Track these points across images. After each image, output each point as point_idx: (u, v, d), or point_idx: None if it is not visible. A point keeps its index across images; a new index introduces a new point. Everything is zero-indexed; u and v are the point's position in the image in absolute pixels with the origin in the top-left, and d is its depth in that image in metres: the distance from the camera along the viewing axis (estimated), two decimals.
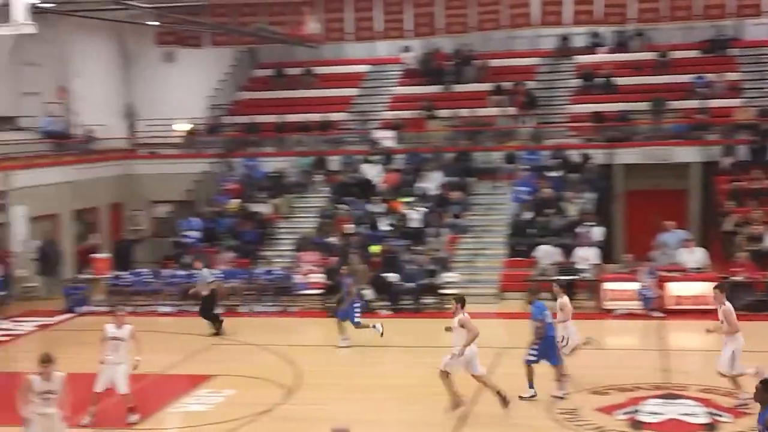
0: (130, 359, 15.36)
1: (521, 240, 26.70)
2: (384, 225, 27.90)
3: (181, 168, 32.35)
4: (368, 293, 24.03)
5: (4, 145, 28.04)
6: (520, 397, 15.86)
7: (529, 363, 16.05)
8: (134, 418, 15.26)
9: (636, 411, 15.26)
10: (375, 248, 26.40)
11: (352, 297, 20.81)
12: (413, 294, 24.74)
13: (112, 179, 32.43)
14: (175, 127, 34.69)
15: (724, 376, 15.46)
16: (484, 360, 15.76)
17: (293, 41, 32.56)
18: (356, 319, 20.58)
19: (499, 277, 25.83)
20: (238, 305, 25.22)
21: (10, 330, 23.27)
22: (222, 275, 25.63)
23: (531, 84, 33.65)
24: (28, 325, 23.87)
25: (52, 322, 24.14)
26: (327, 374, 17.90)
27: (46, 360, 12.26)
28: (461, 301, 15.49)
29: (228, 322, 23.27)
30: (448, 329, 15.37)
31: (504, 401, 15.24)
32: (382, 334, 20.01)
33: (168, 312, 25.16)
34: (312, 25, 30.84)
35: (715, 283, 16.24)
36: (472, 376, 15.37)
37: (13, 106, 29.92)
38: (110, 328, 15.36)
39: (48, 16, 26.12)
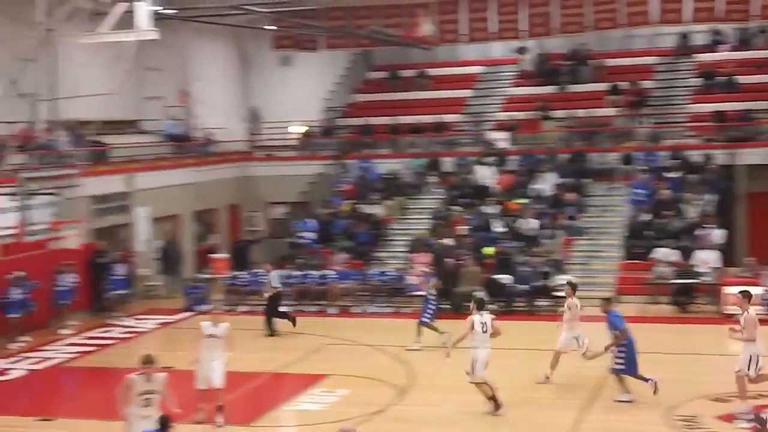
0: (225, 356, 15.37)
1: (638, 242, 26.27)
2: (497, 227, 27.80)
3: (297, 170, 32.87)
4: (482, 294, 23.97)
5: (128, 148, 28.93)
6: (617, 401, 15.88)
7: (618, 372, 15.94)
8: (220, 420, 15.08)
9: (759, 419, 14.84)
10: (488, 250, 26.31)
11: (431, 297, 20.89)
12: (527, 296, 24.59)
13: (230, 181, 33.12)
14: (291, 129, 35.25)
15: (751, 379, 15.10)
16: (601, 363, 15.58)
17: (408, 43, 32.69)
18: (424, 319, 20.60)
19: (615, 279, 25.46)
20: (351, 306, 25.46)
21: (133, 327, 23.97)
22: (336, 276, 25.96)
23: (649, 83, 33.07)
24: (150, 322, 24.55)
25: (173, 320, 24.75)
26: (440, 375, 17.90)
27: (148, 361, 12.33)
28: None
29: (342, 323, 23.55)
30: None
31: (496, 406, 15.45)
32: (444, 343, 18.54)
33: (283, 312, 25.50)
34: (426, 27, 30.92)
35: (741, 289, 16.00)
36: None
37: (137, 110, 30.82)
38: (207, 326, 15.32)
39: (169, 22, 26.84)
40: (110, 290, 25.10)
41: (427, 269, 23.28)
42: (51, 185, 24.00)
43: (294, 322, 22.74)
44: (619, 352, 15.91)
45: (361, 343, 21.32)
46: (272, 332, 22.48)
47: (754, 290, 22.69)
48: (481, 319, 15.55)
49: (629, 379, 15.96)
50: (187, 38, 31.77)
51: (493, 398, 15.52)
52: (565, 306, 17.49)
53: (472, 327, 15.44)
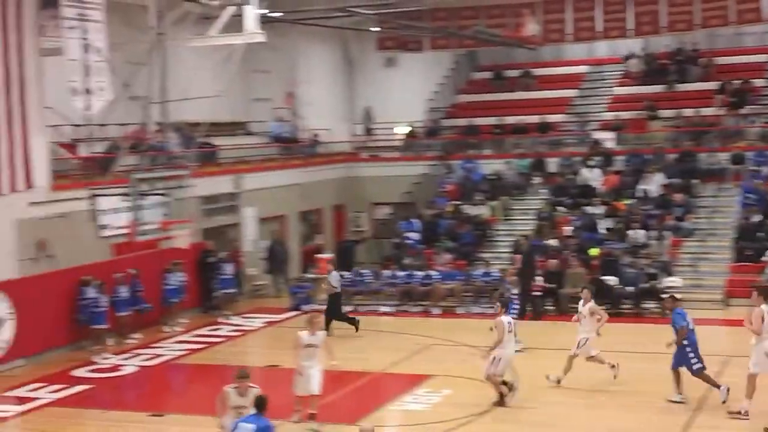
0: (323, 363, 15.48)
1: (749, 244, 25.70)
2: (603, 228, 27.49)
3: (401, 170, 33.00)
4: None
5: (236, 150, 29.47)
6: (670, 400, 15.97)
7: (698, 371, 15.93)
8: (314, 426, 15.14)
9: None
10: (594, 251, 26.06)
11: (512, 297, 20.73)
12: (633, 298, 24.27)
13: (335, 181, 33.46)
14: (395, 130, 35.43)
15: None
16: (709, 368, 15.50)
17: (512, 43, 32.54)
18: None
19: (725, 282, 24.95)
20: (455, 306, 25.49)
21: (241, 326, 24.43)
22: (439, 276, 26.03)
23: (760, 82, 32.27)
24: (257, 321, 24.98)
25: (279, 320, 25.13)
26: (540, 377, 17.79)
27: (243, 375, 12.36)
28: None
29: (445, 324, 23.59)
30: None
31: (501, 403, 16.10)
32: (518, 350, 18.46)
33: (388, 312, 25.72)
34: (531, 27, 30.73)
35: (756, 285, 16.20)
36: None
37: (245, 111, 31.37)
38: (305, 336, 15.39)
39: (277, 25, 27.22)
40: (219, 289, 25.64)
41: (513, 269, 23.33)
42: (162, 186, 24.52)
43: (357, 326, 22.76)
44: (690, 352, 15.85)
45: (465, 344, 21.32)
46: (325, 328, 22.53)
47: None
48: (508, 319, 16.45)
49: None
50: (293, 40, 32.19)
51: (501, 395, 16.27)
52: (586, 311, 17.53)
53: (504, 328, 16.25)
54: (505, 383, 16.44)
